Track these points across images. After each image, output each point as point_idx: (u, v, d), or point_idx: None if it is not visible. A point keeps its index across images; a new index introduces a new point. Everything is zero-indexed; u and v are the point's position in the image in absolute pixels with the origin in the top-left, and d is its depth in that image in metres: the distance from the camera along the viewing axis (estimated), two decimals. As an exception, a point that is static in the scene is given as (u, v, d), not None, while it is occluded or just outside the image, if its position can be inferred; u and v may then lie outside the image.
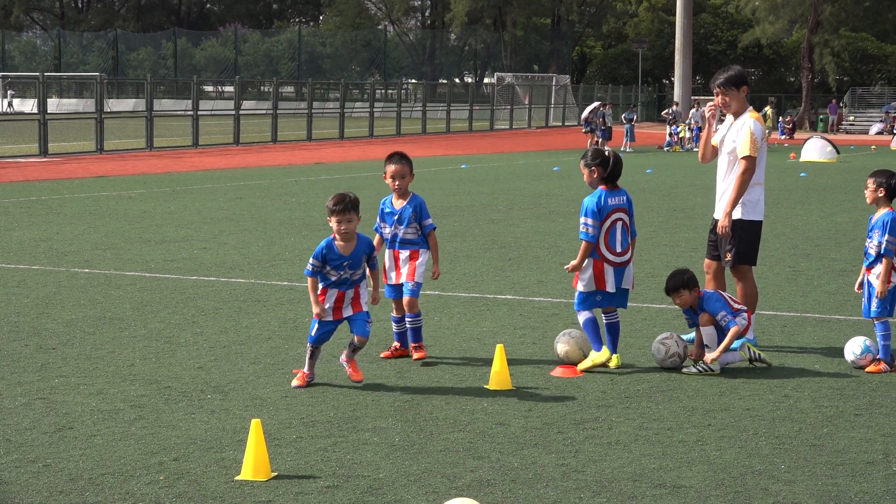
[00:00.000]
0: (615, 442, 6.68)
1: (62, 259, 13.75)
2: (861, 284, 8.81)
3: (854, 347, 8.61)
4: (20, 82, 67.79)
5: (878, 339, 8.58)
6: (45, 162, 33.36)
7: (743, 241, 9.11)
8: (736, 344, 8.58)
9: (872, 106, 78.03)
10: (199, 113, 42.38)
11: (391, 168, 8.92)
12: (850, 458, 6.42)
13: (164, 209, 19.92)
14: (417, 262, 8.71)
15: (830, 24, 75.18)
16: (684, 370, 8.45)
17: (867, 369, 8.49)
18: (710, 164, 9.63)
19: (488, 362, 8.43)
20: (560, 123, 70.54)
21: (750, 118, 9.15)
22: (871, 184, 8.75)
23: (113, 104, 64.26)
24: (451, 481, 5.95)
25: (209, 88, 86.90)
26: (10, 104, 66.84)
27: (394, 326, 8.86)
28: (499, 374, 7.89)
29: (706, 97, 68.36)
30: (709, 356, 8.44)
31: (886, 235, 8.53)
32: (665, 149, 47.58)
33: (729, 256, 9.13)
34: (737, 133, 9.16)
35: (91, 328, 9.72)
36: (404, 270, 8.73)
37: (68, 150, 37.11)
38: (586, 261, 8.51)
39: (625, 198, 8.65)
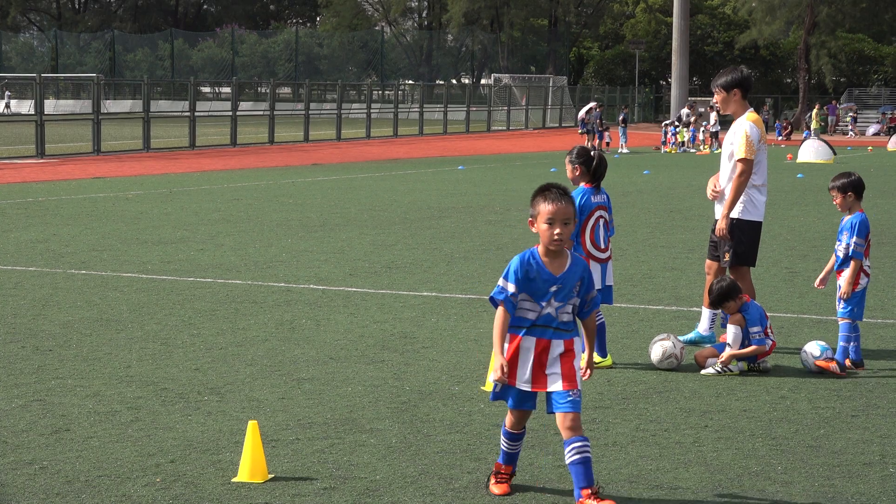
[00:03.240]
0: (612, 443, 6.68)
1: (59, 260, 13.74)
2: (823, 280, 8.85)
3: (813, 350, 8.56)
4: (17, 83, 67.73)
5: (839, 339, 8.61)
6: (41, 163, 33.34)
7: (742, 241, 9.12)
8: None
9: (869, 107, 78.07)
10: (196, 114, 42.36)
11: (551, 208, 5.51)
12: (847, 460, 6.42)
13: (161, 210, 19.91)
14: (575, 359, 5.66)
15: (827, 26, 75.23)
16: (703, 372, 8.45)
17: (816, 362, 8.48)
18: (710, 164, 9.64)
19: (485, 364, 8.43)
20: (557, 124, 70.55)
21: (746, 120, 9.16)
22: (836, 193, 8.69)
23: (110, 105, 64.19)
24: (448, 483, 5.94)
25: (206, 89, 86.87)
26: (6, 105, 66.79)
27: (504, 443, 5.90)
28: (496, 376, 7.86)
29: (704, 98, 68.44)
30: (723, 355, 8.44)
31: (854, 237, 8.56)
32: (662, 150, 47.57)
33: (727, 257, 9.14)
34: (734, 135, 9.18)
35: (88, 330, 9.71)
36: (555, 373, 5.62)
37: (65, 151, 37.08)
38: None
39: (605, 196, 8.85)
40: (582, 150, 8.83)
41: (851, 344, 8.65)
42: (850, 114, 70.61)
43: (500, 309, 5.55)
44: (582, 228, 8.58)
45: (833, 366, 8.43)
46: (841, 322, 8.64)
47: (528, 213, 5.63)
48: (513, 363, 5.61)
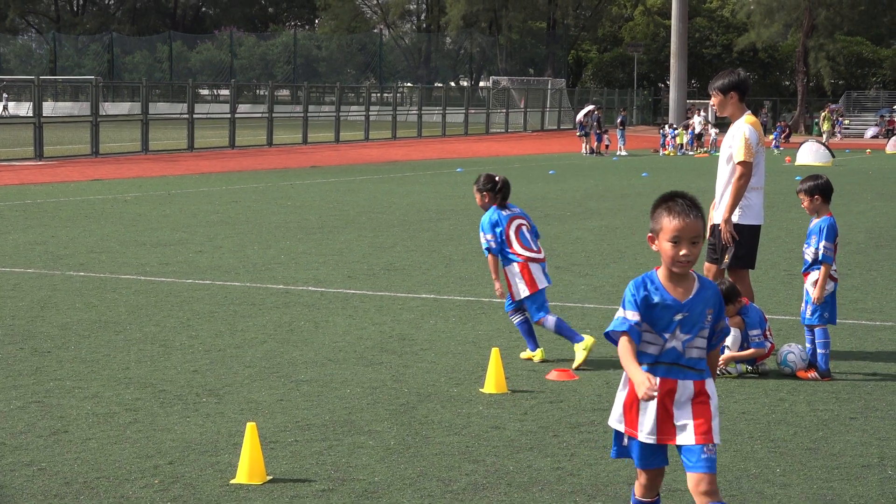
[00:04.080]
0: (610, 446, 6.66)
1: (57, 262, 13.74)
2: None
3: (796, 360, 8.53)
4: (15, 85, 67.73)
5: (816, 346, 8.44)
6: (40, 165, 33.33)
7: (741, 244, 9.12)
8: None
9: (867, 110, 78.11)
10: (195, 116, 42.36)
11: (677, 223, 4.65)
12: (846, 462, 6.42)
13: (159, 212, 19.91)
14: (712, 403, 4.68)
15: (825, 28, 75.27)
16: None
17: (799, 373, 8.44)
18: (709, 166, 9.67)
19: (484, 366, 8.42)
20: (556, 127, 70.57)
21: (745, 123, 9.15)
22: (803, 196, 8.65)
23: (108, 107, 64.19)
24: (447, 485, 5.94)
25: (205, 92, 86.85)
26: (4, 107, 66.75)
27: None
28: (494, 378, 7.88)
29: (702, 101, 68.45)
30: (722, 357, 8.43)
31: (823, 241, 8.50)
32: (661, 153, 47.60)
33: (727, 260, 9.15)
34: (732, 138, 9.18)
35: (86, 331, 9.70)
36: (685, 423, 4.64)
37: (64, 153, 37.07)
38: (512, 273, 8.83)
39: (518, 209, 9.17)
40: (487, 179, 9.15)
41: (812, 348, 8.53)
42: (838, 116, 70.62)
43: (624, 339, 4.60)
44: (506, 237, 8.88)
45: (812, 374, 8.40)
46: (816, 329, 8.49)
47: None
48: (632, 411, 4.70)
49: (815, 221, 8.65)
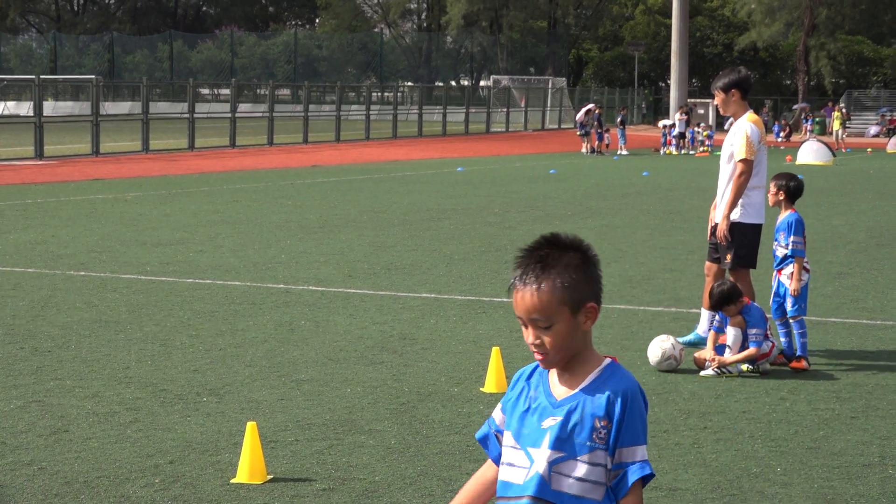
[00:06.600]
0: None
1: (58, 262, 13.73)
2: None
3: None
4: (16, 85, 67.71)
5: (797, 337, 8.77)
6: (40, 164, 33.33)
7: (742, 244, 9.12)
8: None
9: (868, 109, 78.06)
10: (195, 116, 42.35)
11: (514, 299, 3.12)
12: (847, 461, 6.41)
13: (160, 212, 19.90)
14: None
15: (826, 28, 75.24)
16: (702, 373, 8.45)
17: (792, 365, 8.64)
18: (710, 165, 9.70)
19: (484, 365, 8.42)
20: (556, 126, 70.56)
21: (747, 121, 9.16)
22: (772, 187, 9.05)
23: (109, 107, 64.18)
24: (447, 484, 5.94)
25: (205, 91, 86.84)
26: (5, 106, 66.76)
27: None
28: (495, 377, 7.88)
29: (703, 100, 68.42)
30: (726, 358, 8.43)
31: (793, 236, 8.84)
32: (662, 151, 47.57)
33: (728, 259, 9.14)
34: (734, 136, 9.18)
35: (87, 331, 9.70)
36: None
37: (64, 152, 37.06)
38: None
39: None
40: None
41: (787, 340, 8.90)
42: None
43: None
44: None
45: (804, 363, 8.63)
46: (793, 321, 8.82)
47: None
48: None
49: (782, 217, 9.01)
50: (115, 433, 6.76)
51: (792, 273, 8.83)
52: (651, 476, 2.97)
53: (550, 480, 2.94)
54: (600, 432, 2.93)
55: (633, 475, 2.94)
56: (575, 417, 2.95)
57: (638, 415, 2.98)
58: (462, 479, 6.00)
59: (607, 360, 3.04)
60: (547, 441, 2.95)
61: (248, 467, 5.94)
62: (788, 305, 8.84)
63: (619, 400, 2.95)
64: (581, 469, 2.94)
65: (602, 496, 2.94)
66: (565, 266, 2.98)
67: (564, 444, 2.94)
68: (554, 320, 2.96)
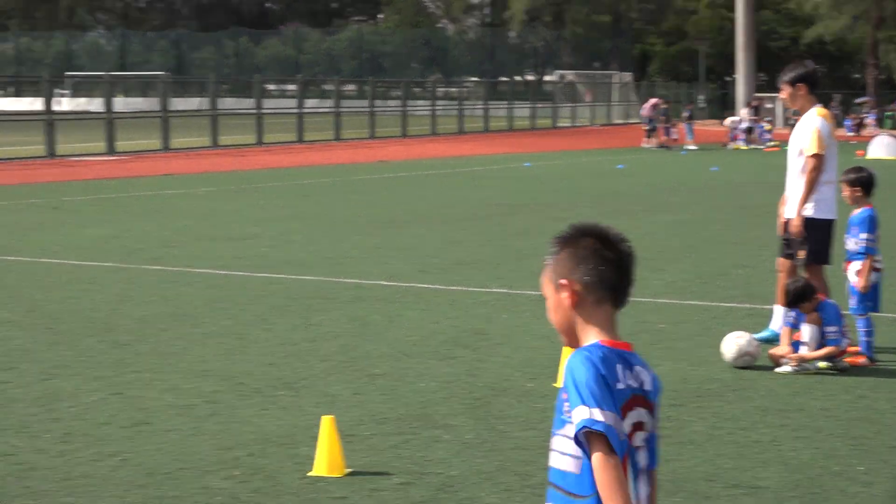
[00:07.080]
0: (688, 441, 6.63)
1: (132, 256, 13.92)
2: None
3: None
4: (87, 81, 68.63)
5: (859, 335, 8.64)
6: (112, 160, 33.78)
7: (816, 240, 9.02)
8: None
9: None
10: (262, 111, 42.65)
11: None
12: (930, 460, 6.32)
13: (230, 207, 20.09)
14: None
15: (895, 20, 74.04)
16: (779, 370, 8.37)
17: (848, 360, 8.48)
18: (779, 160, 9.60)
19: (557, 360, 8.39)
20: (622, 121, 70.18)
21: (816, 116, 9.06)
22: (845, 186, 8.88)
23: (177, 103, 64.87)
24: (524, 479, 5.94)
25: (271, 87, 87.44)
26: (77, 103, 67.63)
27: None
28: (569, 373, 7.86)
29: (771, 94, 67.64)
30: (806, 354, 8.35)
31: (865, 233, 8.70)
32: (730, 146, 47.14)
33: (802, 255, 9.05)
34: (802, 131, 9.09)
35: (163, 324, 9.82)
36: None
37: (135, 148, 37.52)
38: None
39: None
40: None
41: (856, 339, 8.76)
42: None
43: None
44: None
45: (863, 360, 8.52)
46: (858, 318, 8.68)
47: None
48: None
49: (856, 212, 8.85)
50: (194, 426, 6.84)
51: (859, 270, 8.71)
52: (597, 432, 3.01)
53: (550, 459, 3.23)
54: (564, 405, 3.11)
55: (576, 429, 3.05)
56: (559, 397, 3.16)
57: (572, 381, 3.06)
58: (539, 475, 6.00)
59: (593, 342, 3.13)
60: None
61: (327, 461, 5.98)
62: (854, 302, 8.71)
63: (567, 372, 3.08)
64: (559, 443, 3.19)
65: (579, 469, 3.11)
66: (559, 247, 3.30)
67: (554, 423, 3.21)
68: (547, 297, 3.28)
